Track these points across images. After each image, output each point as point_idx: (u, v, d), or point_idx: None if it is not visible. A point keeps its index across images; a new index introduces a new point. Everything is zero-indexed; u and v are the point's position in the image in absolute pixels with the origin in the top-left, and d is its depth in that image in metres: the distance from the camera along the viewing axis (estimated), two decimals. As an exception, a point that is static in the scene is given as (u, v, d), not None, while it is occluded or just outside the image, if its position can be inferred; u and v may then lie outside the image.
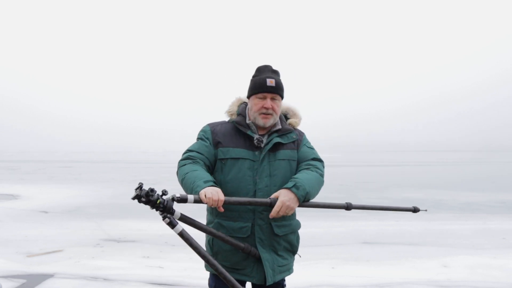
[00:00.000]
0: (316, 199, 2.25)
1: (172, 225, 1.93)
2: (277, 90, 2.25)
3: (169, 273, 4.95)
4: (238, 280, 2.19)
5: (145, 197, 1.86)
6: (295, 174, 2.25)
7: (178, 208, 2.01)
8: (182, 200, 1.92)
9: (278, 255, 2.24)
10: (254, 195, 2.18)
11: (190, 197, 1.93)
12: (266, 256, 2.19)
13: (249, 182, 2.18)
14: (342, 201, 2.56)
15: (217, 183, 2.17)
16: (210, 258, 2.02)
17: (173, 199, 1.93)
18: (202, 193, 1.94)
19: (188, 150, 2.27)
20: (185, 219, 1.99)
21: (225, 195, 2.16)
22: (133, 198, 1.87)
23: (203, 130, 2.33)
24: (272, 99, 2.25)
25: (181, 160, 2.23)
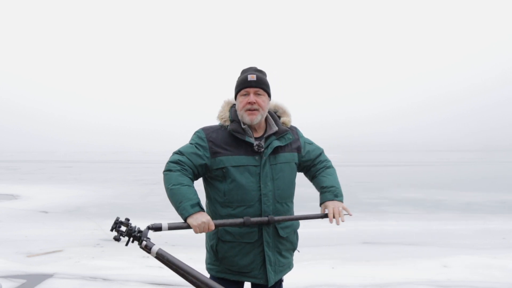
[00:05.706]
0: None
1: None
2: (259, 84, 2.21)
3: (169, 273, 4.89)
4: (243, 283, 2.28)
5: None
6: (315, 172, 2.44)
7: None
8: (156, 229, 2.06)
9: (281, 255, 2.27)
10: (260, 201, 2.18)
11: (165, 225, 2.05)
12: (270, 258, 2.22)
13: (253, 188, 2.17)
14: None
15: (220, 194, 2.20)
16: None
17: (148, 228, 2.06)
18: (191, 222, 2.04)
19: (180, 152, 2.21)
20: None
21: (231, 203, 2.17)
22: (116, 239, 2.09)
23: (198, 137, 2.24)
24: (256, 94, 2.21)
25: (170, 162, 2.19)
